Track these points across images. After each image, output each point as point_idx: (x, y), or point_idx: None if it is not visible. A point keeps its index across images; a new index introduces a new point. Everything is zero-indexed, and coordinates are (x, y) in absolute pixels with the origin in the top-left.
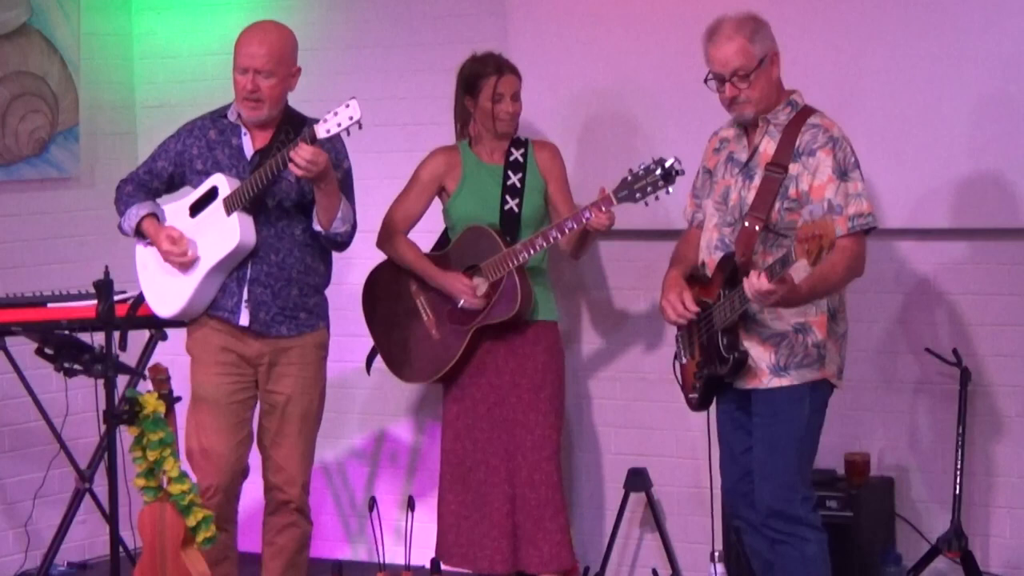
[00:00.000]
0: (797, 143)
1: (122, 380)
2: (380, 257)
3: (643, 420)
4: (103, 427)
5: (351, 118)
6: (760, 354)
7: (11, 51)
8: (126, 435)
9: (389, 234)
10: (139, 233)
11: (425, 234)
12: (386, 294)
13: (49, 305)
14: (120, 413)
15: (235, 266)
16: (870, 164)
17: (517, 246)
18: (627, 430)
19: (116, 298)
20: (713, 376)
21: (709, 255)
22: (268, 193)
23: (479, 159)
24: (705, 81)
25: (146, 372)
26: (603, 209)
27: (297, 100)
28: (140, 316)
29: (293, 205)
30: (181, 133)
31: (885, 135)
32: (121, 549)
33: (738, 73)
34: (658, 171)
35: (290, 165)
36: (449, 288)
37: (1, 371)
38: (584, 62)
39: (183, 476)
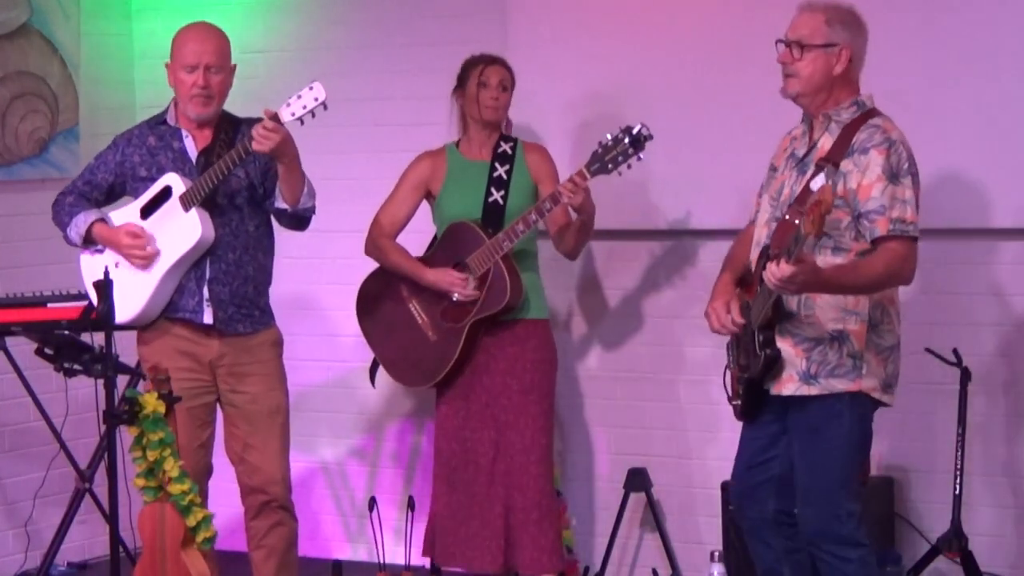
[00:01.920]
0: (854, 141)
1: (122, 380)
2: None
3: (643, 420)
4: (103, 427)
5: (316, 99)
6: (791, 359)
7: (11, 51)
8: (126, 435)
9: (375, 239)
10: (88, 241)
11: (417, 235)
12: (379, 304)
13: (49, 305)
14: (120, 413)
15: (193, 263)
16: None
17: (499, 235)
18: (627, 430)
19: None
20: (750, 379)
21: (756, 252)
22: (221, 191)
23: (465, 157)
24: (777, 42)
25: (146, 372)
26: (576, 184)
27: None
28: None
29: (245, 201)
30: (118, 143)
31: None
32: (121, 549)
33: (797, 42)
34: (626, 139)
35: (251, 142)
36: (439, 284)
37: (1, 371)
38: (583, 63)
39: (183, 476)
